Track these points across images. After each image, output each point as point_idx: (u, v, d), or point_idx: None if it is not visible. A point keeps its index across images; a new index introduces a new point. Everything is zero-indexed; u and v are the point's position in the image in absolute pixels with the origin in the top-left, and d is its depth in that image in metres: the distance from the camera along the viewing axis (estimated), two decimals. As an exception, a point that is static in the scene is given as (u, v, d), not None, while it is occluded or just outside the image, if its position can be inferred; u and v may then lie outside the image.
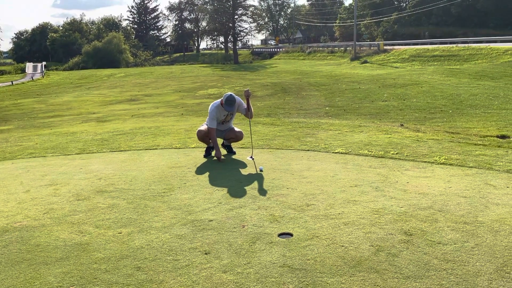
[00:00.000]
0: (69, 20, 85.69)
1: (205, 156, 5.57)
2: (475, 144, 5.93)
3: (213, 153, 5.58)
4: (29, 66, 56.88)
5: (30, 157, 6.25)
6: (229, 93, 5.33)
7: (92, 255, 2.91)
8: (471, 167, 4.68)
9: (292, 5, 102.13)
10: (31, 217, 3.64)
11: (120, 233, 3.25)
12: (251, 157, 5.32)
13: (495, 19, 49.97)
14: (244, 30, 75.72)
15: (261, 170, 4.77)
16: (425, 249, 2.81)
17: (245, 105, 5.34)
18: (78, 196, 4.13)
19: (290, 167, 4.90)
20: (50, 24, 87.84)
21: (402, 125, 8.26)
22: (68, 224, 3.45)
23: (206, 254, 2.86)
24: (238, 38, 75.12)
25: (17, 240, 3.19)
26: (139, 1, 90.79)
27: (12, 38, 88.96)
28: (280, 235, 3.11)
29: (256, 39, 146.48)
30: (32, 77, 44.09)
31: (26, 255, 2.95)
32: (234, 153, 5.70)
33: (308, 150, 5.74)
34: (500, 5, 48.94)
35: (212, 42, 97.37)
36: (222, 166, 5.08)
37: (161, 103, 17.41)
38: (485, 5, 50.29)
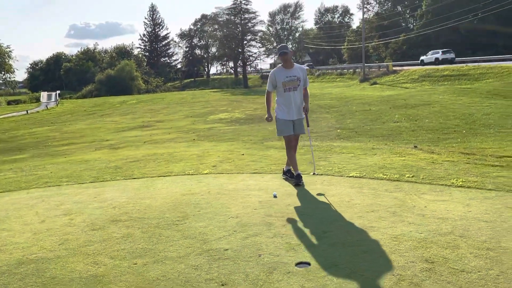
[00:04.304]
0: (82, 49, 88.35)
1: (296, 184, 5.15)
2: (492, 165, 5.81)
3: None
4: (43, 95, 58.29)
5: (45, 186, 6.30)
6: None
7: (108, 287, 2.87)
8: (490, 189, 4.57)
9: (300, 29, 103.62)
10: (46, 248, 3.63)
11: (135, 264, 3.21)
12: (314, 174, 5.74)
13: (503, 39, 49.98)
14: (253, 55, 76.89)
15: (275, 196, 4.73)
16: (449, 277, 2.72)
17: (308, 82, 5.44)
18: (93, 226, 4.12)
19: (304, 192, 4.85)
20: (64, 53, 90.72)
21: (415, 146, 8.17)
22: (83, 255, 3.43)
23: (222, 285, 2.81)
24: (248, 63, 76.17)
25: (32, 272, 3.18)
26: (150, 30, 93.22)
27: (27, 68, 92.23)
28: (297, 264, 3.04)
29: (265, 63, 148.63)
30: (46, 106, 45.06)
31: (42, 288, 2.92)
32: (303, 184, 5.17)
33: (321, 175, 5.69)
34: (509, 24, 49.03)
35: (222, 67, 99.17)
36: (235, 193, 5.05)
37: (172, 129, 17.55)
38: (494, 24, 50.45)
